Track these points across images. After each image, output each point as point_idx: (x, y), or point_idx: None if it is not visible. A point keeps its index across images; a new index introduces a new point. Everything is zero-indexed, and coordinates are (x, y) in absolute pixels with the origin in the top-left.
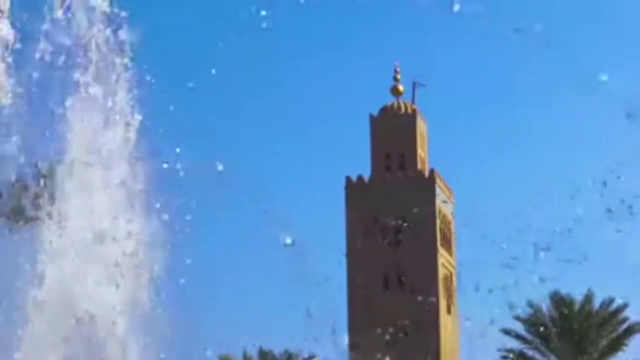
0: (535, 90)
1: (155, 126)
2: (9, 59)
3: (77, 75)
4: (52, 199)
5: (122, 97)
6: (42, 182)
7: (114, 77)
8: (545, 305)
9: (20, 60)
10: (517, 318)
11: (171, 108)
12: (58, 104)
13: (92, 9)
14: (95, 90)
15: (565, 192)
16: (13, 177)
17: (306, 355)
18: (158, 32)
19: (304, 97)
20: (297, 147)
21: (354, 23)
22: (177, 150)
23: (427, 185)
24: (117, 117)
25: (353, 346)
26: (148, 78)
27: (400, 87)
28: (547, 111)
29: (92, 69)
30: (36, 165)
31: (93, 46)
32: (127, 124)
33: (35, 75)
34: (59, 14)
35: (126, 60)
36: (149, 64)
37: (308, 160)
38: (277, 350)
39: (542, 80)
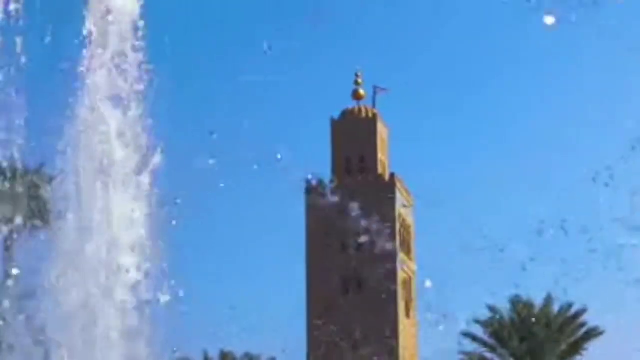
0: (502, 95)
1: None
2: None
3: None
4: None
5: None
6: None
7: None
8: (505, 309)
9: None
10: (477, 321)
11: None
12: None
13: None
14: None
15: (526, 199)
16: None
17: (267, 358)
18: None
19: (265, 100)
20: (257, 150)
21: (316, 27)
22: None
23: (387, 189)
24: None
25: (312, 349)
26: None
27: (361, 92)
28: (510, 116)
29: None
30: None
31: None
32: None
33: None
34: None
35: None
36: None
37: (268, 163)
38: (238, 352)
39: (509, 86)
